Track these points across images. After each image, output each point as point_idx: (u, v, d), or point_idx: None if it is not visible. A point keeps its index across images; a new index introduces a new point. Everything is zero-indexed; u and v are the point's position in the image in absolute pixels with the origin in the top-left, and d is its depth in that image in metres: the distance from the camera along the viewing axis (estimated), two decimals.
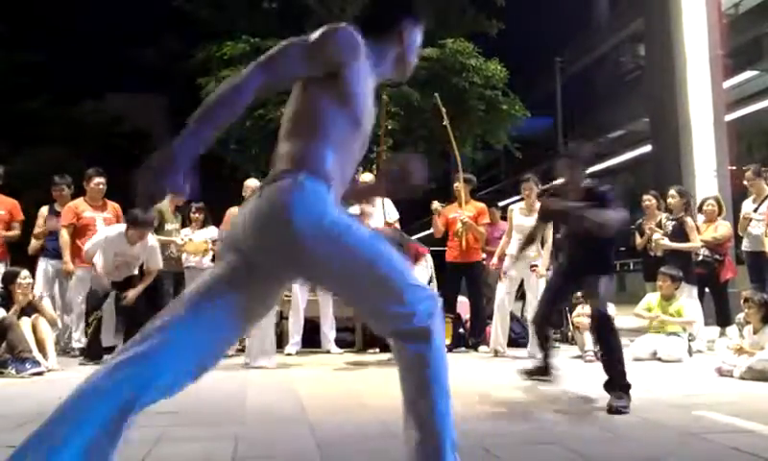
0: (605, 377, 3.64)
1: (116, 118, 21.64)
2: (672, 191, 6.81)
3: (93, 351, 5.63)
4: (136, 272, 5.90)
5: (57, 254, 6.47)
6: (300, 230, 1.61)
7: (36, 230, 6.69)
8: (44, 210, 6.74)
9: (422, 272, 5.97)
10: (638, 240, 7.16)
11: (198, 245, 6.64)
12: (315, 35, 1.80)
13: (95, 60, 19.85)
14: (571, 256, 4.13)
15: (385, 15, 1.99)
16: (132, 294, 5.69)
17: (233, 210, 6.61)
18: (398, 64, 2.01)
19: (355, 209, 6.75)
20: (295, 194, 1.64)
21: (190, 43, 12.64)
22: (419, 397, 1.73)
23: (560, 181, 4.23)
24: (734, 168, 9.76)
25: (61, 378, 4.88)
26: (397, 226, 6.80)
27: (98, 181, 6.50)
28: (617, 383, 3.56)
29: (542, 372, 4.26)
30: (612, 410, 3.39)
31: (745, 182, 6.84)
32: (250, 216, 1.70)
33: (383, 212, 6.65)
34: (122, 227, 5.78)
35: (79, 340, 6.04)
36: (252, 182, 6.79)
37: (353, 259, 1.67)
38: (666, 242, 6.51)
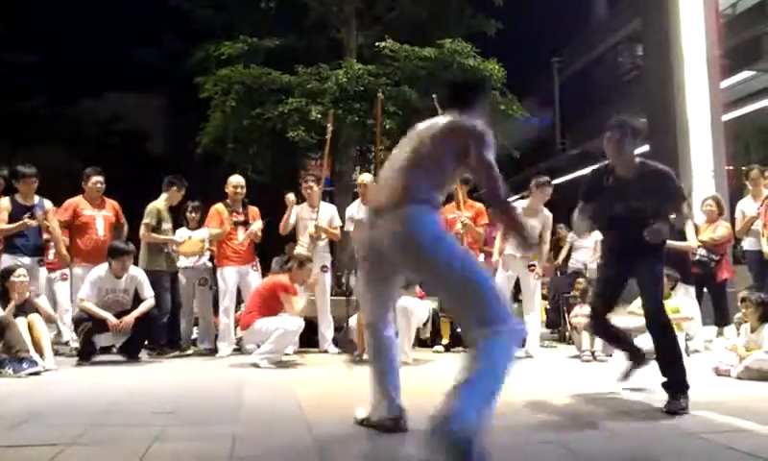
0: (603, 376, 3.61)
1: (115, 117, 21.61)
2: None
3: (86, 353, 5.71)
4: (129, 307, 5.87)
5: (26, 252, 6.14)
6: (420, 241, 2.56)
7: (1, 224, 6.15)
8: (6, 202, 6.24)
9: (424, 308, 6.13)
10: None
11: (194, 244, 6.62)
12: (488, 143, 2.69)
13: (93, 60, 19.80)
14: (618, 244, 3.76)
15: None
16: (127, 319, 5.71)
17: (218, 207, 6.60)
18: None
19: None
20: (418, 217, 2.60)
21: (189, 43, 12.64)
22: (467, 378, 2.29)
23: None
24: (731, 168, 9.77)
25: (58, 378, 4.87)
26: None
27: (96, 180, 6.47)
28: (676, 384, 3.42)
29: (636, 362, 3.86)
30: (670, 411, 3.28)
31: (747, 182, 6.79)
32: (388, 232, 2.64)
33: None
34: (105, 265, 5.85)
35: (76, 339, 6.04)
36: (235, 179, 6.77)
37: (450, 265, 2.50)
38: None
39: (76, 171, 6.89)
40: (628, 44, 20.56)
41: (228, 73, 11.03)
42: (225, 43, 11.34)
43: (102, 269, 5.85)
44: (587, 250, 8.33)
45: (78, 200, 6.48)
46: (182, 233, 6.80)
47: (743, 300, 4.90)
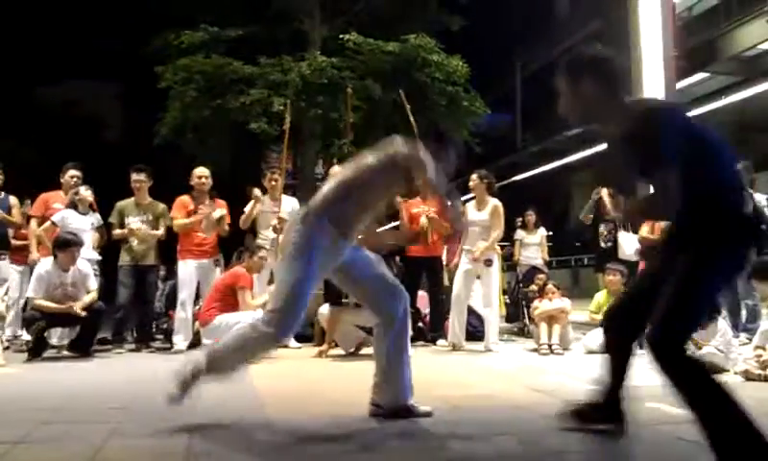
0: (561, 369, 3.64)
1: (71, 103, 21.02)
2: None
3: (37, 350, 5.56)
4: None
5: None
6: None
7: None
8: None
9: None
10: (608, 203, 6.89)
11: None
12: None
13: (52, 46, 19.21)
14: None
15: None
16: (78, 305, 5.57)
17: (184, 199, 6.50)
18: None
19: None
20: None
21: (149, 30, 12.34)
22: None
23: None
24: None
25: (8, 374, 4.73)
26: None
27: (72, 174, 6.60)
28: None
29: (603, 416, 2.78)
30: None
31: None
32: None
33: None
34: (50, 259, 5.70)
35: (23, 332, 5.92)
36: (200, 170, 6.68)
37: None
38: None
39: (31, 160, 6.79)
40: (588, 43, 20.94)
41: (189, 62, 10.84)
42: (185, 32, 11.12)
43: (47, 263, 5.68)
44: (535, 247, 8.42)
45: (52, 195, 6.55)
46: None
47: None
